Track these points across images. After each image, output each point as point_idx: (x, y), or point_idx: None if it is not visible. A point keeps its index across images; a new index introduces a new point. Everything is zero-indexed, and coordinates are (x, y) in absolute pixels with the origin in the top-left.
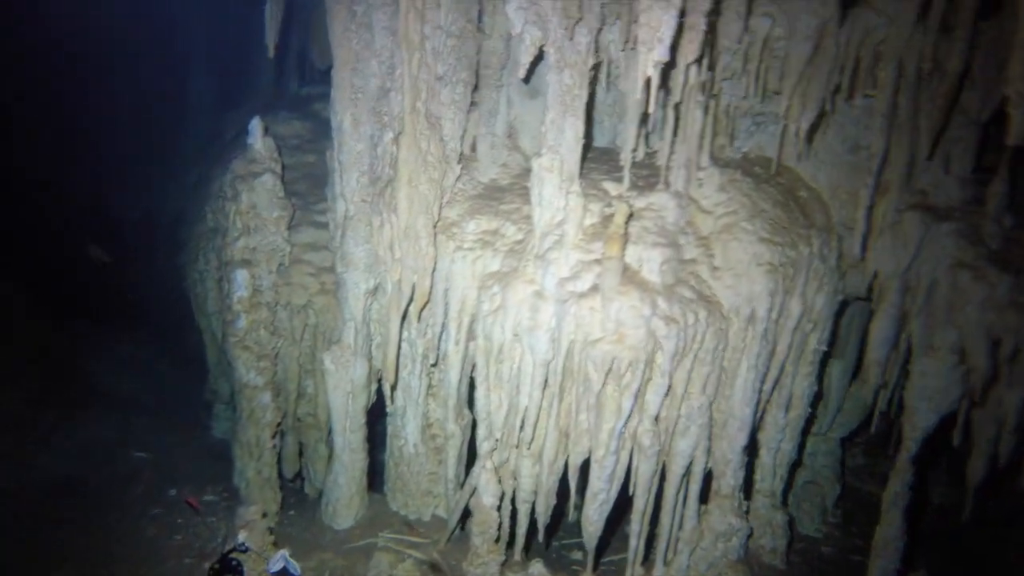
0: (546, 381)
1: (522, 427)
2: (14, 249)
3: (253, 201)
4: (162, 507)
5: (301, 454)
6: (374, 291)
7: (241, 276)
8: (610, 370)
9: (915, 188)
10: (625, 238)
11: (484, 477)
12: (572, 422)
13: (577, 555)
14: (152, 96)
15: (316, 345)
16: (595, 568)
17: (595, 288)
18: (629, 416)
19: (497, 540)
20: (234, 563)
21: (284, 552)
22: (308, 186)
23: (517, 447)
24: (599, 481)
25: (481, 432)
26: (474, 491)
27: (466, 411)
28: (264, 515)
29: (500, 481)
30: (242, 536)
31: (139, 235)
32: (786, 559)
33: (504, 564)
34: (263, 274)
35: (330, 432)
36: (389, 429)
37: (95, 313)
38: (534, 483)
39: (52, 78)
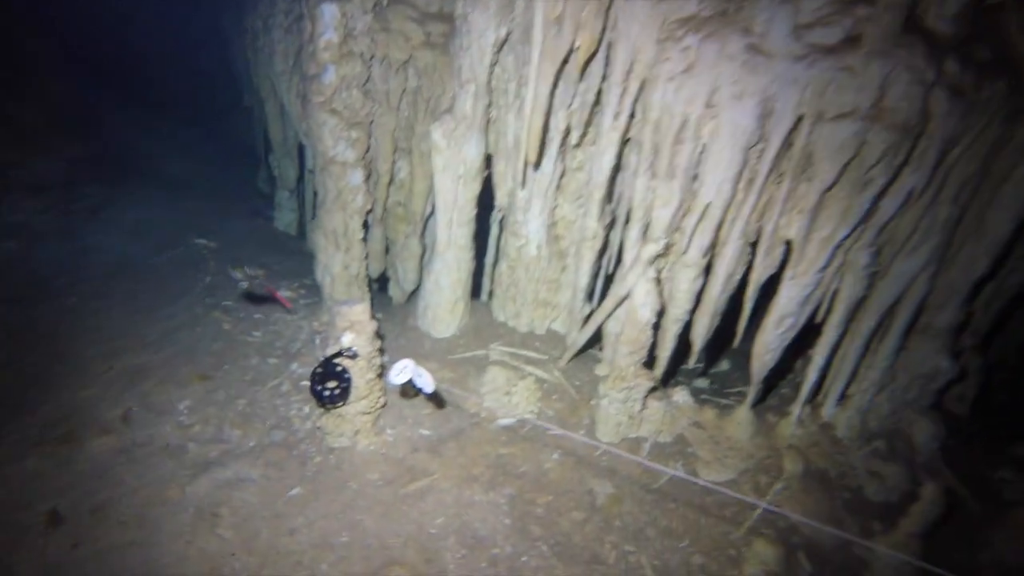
0: (742, 172)
1: (693, 231)
2: (58, 30)
3: None
4: (233, 299)
5: (387, 251)
6: (504, 42)
7: (330, 12)
8: (852, 158)
9: None
10: None
11: (644, 288)
12: (768, 227)
13: (701, 383)
14: None
15: (415, 116)
16: (753, 404)
17: (852, 40)
18: (857, 224)
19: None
20: (339, 369)
21: (410, 361)
22: None
23: (684, 254)
24: (791, 303)
25: (632, 234)
26: (619, 303)
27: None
28: (374, 317)
29: (661, 293)
30: (347, 339)
31: None
32: (972, 407)
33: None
34: (356, 13)
35: (425, 227)
36: (505, 226)
37: (139, 97)
38: (691, 300)
39: None
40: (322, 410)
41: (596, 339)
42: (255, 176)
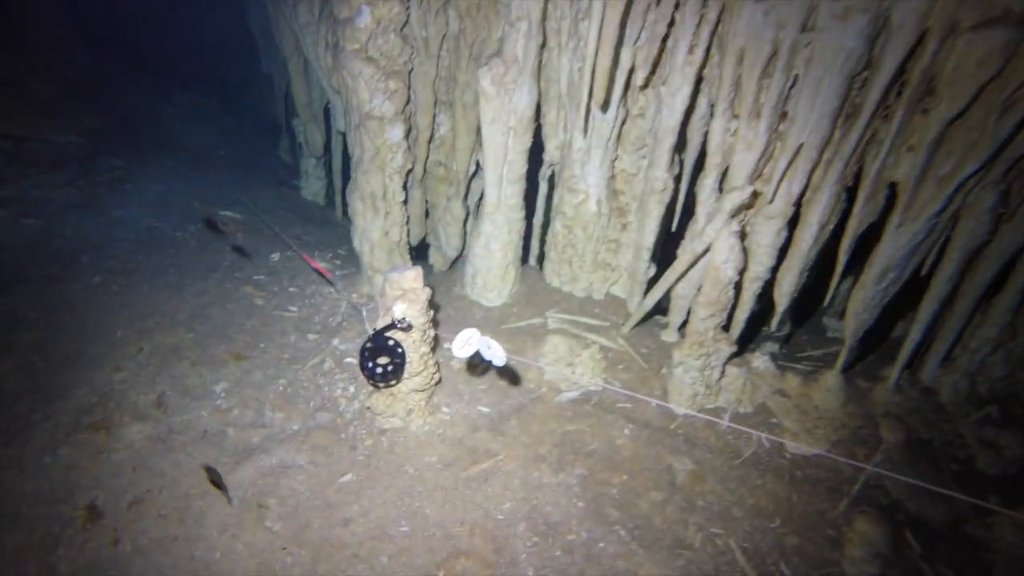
0: (842, 106)
1: (782, 177)
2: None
3: None
4: (265, 273)
5: (426, 216)
6: None
7: None
8: (992, 79)
9: None
10: None
11: (726, 242)
12: (872, 168)
13: (770, 348)
14: None
15: (456, 64)
16: (844, 369)
17: None
18: (988, 160)
19: (725, 327)
20: (391, 343)
21: (475, 331)
22: None
23: (770, 203)
24: (896, 254)
25: (708, 183)
26: (695, 261)
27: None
28: (430, 290)
29: (745, 249)
30: (399, 309)
31: None
32: None
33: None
34: None
35: (468, 188)
36: (558, 182)
37: (154, 67)
38: (775, 255)
39: None
40: (371, 389)
41: (657, 307)
42: (276, 147)
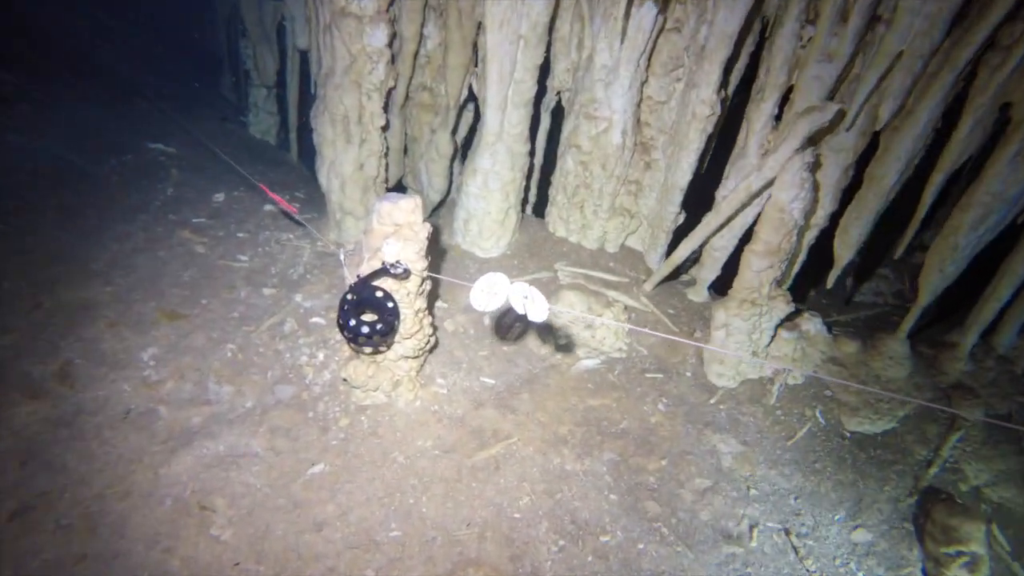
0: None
1: (868, 96)
2: None
3: None
4: (206, 215)
5: (405, 151)
6: None
7: None
8: None
9: None
10: None
11: (796, 175)
12: (985, 85)
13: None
14: None
15: None
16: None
17: None
18: None
19: (779, 283)
20: (380, 295)
21: (502, 276)
22: None
23: (848, 129)
24: (1007, 192)
25: (765, 107)
26: (750, 200)
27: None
28: (430, 226)
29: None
30: (391, 250)
31: None
32: None
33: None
34: None
35: (459, 119)
36: (572, 110)
37: None
38: (838, 197)
39: None
40: (346, 355)
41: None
42: (217, 83)
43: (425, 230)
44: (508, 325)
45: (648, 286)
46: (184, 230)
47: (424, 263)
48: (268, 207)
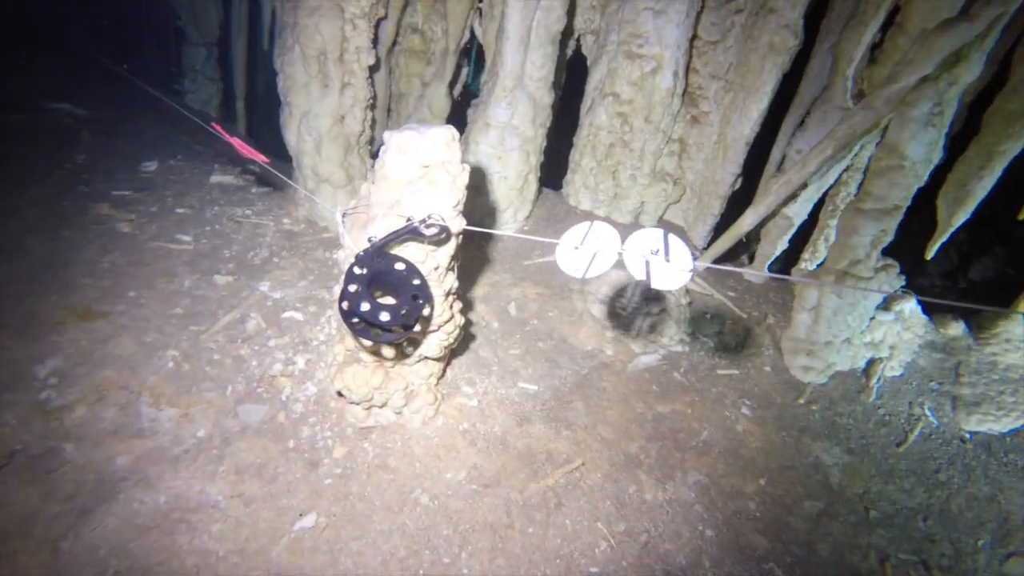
0: None
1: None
2: None
3: None
4: (132, 188)
5: (389, 111)
6: None
7: None
8: None
9: None
10: None
11: (928, 93)
12: None
13: None
14: None
15: None
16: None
17: None
18: None
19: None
20: (400, 269)
21: (605, 225)
22: None
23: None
24: None
25: (864, 40)
26: (841, 148)
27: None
28: (468, 167)
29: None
30: (418, 198)
31: None
32: None
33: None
34: None
35: (457, 69)
36: (607, 50)
37: None
38: (942, 147)
39: None
40: (336, 361)
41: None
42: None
43: (465, 173)
44: (631, 309)
45: (701, 264)
46: (101, 205)
47: (463, 222)
48: (216, 178)
